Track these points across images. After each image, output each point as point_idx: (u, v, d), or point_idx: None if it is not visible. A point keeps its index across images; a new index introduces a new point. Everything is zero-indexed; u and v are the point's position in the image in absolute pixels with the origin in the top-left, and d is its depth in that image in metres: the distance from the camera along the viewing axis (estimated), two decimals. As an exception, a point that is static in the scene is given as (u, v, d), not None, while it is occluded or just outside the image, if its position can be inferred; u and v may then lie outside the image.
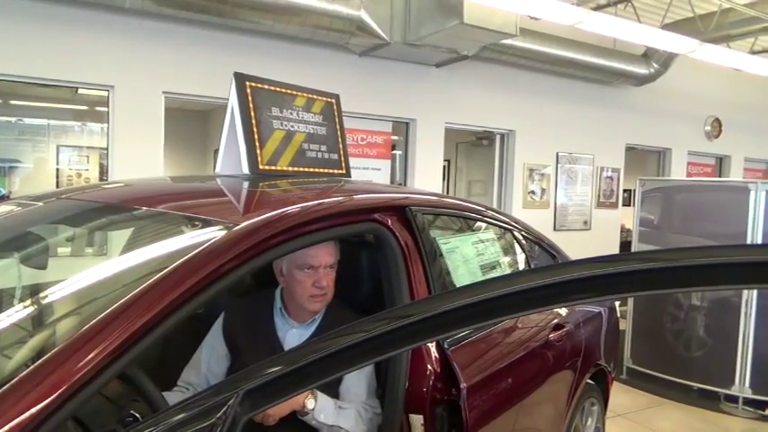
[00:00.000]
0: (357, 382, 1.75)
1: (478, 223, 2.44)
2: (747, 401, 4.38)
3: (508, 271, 2.46)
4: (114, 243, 1.84)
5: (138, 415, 1.22)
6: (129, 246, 1.65)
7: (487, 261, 2.30)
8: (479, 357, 1.88)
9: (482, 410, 1.77)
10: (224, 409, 0.87)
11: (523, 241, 2.61)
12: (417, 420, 1.59)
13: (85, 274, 1.42)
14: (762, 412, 4.32)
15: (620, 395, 4.49)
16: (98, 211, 1.82)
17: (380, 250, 1.74)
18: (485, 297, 0.82)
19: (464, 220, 2.38)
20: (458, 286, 1.90)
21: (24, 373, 0.96)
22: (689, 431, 4.11)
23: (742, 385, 4.38)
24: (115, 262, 1.64)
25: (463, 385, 1.66)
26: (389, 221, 1.73)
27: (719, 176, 8.74)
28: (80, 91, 4.80)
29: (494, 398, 1.87)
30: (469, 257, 2.20)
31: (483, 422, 1.78)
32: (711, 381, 4.55)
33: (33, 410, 0.91)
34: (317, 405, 1.63)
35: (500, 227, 2.52)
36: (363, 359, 0.91)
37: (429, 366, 1.64)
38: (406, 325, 0.87)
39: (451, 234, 2.22)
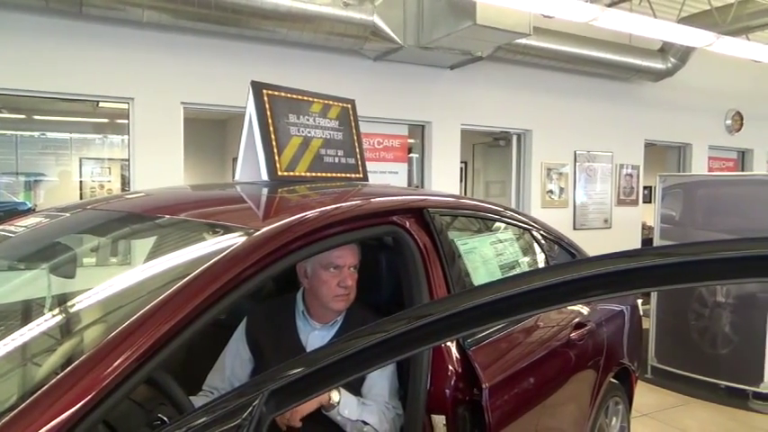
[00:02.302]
0: (379, 382, 1.77)
1: (497, 224, 2.44)
2: (777, 399, 4.30)
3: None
4: (138, 251, 1.88)
5: (165, 418, 1.24)
6: (153, 253, 1.69)
7: (507, 261, 2.30)
8: (500, 357, 1.88)
9: (504, 410, 1.77)
10: (249, 409, 0.89)
11: (542, 241, 2.61)
12: (440, 421, 1.60)
13: (112, 282, 1.46)
14: (793, 409, 4.24)
15: (645, 394, 4.44)
16: (122, 221, 1.86)
17: (399, 252, 1.76)
18: (501, 295, 0.83)
19: (482, 221, 2.38)
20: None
21: (56, 379, 0.99)
22: (717, 430, 4.03)
23: (771, 382, 4.29)
24: (140, 270, 1.67)
25: (485, 385, 1.66)
26: (408, 224, 1.74)
27: (742, 171, 8.58)
28: (101, 104, 4.89)
29: (516, 397, 1.87)
30: (488, 258, 2.20)
31: (506, 422, 1.77)
32: (739, 378, 4.47)
33: (66, 415, 0.94)
34: (341, 400, 1.66)
35: (519, 227, 2.52)
36: (384, 358, 0.92)
37: (450, 367, 1.65)
38: (425, 324, 0.88)
39: (470, 235, 2.22)
